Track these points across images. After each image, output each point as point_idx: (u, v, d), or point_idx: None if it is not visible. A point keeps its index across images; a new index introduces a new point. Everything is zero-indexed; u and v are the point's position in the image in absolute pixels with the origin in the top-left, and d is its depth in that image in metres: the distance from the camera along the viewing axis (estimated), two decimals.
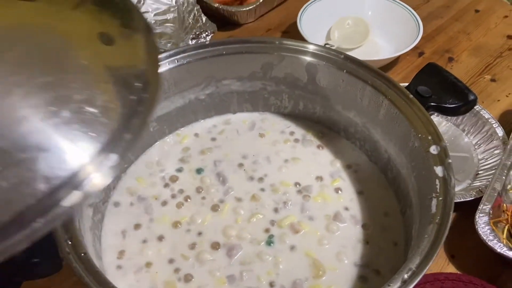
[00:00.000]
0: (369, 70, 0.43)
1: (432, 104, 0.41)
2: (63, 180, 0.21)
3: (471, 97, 0.41)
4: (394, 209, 0.43)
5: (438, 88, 0.42)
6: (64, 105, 0.22)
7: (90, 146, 0.22)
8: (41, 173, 0.21)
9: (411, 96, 0.40)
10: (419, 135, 0.38)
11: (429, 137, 0.37)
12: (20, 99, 0.22)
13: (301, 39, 0.62)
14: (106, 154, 0.22)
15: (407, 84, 0.43)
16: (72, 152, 0.22)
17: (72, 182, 0.21)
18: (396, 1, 0.68)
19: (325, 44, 0.64)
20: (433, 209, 0.33)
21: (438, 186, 0.34)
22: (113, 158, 0.22)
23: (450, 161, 0.35)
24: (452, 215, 0.32)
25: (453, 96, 0.42)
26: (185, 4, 0.68)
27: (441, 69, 0.44)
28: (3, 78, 0.22)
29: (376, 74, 0.42)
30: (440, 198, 0.33)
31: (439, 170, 0.35)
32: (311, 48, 0.45)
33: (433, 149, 0.36)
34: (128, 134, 0.23)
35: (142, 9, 0.69)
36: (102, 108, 0.23)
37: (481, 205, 0.44)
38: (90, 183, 0.21)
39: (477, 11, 0.76)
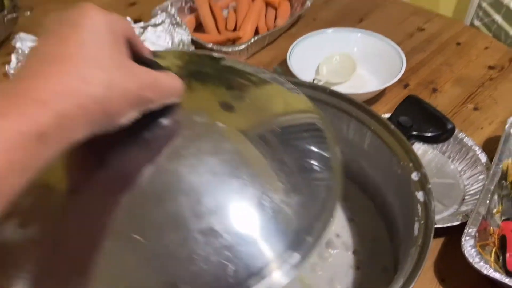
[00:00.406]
0: (353, 103, 0.45)
1: (413, 133, 0.44)
2: (255, 269, 0.25)
3: (449, 126, 0.44)
4: (383, 234, 0.45)
5: (418, 118, 0.45)
6: (266, 202, 0.27)
7: (279, 243, 0.26)
8: (241, 259, 0.25)
9: (393, 126, 0.43)
10: (401, 163, 0.40)
11: (410, 165, 0.40)
12: (238, 190, 0.27)
13: (292, 75, 0.66)
14: (290, 253, 0.25)
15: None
16: (264, 246, 0.26)
17: (261, 273, 0.25)
18: (380, 37, 0.72)
19: (314, 79, 0.67)
20: (416, 232, 0.35)
21: (419, 210, 0.36)
22: (296, 257, 0.25)
23: (430, 186, 0.37)
24: (433, 238, 0.34)
25: (433, 125, 0.44)
26: (181, 46, 0.72)
27: (420, 101, 0.47)
28: (224, 173, 0.28)
29: (359, 107, 0.45)
30: (422, 222, 0.35)
31: (420, 195, 0.37)
32: (297, 85, 0.48)
33: (414, 176, 0.39)
34: (310, 237, 0.26)
35: None
36: (294, 210, 0.27)
37: (467, 229, 0.46)
38: (274, 276, 0.25)
39: (458, 44, 0.80)
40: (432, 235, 0.34)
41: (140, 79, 0.25)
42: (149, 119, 0.27)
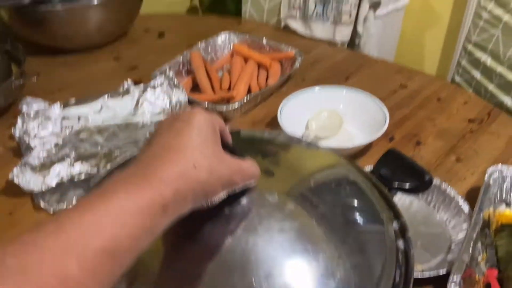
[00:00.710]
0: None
1: (394, 185, 0.47)
2: None
3: (427, 177, 0.47)
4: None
5: (398, 170, 0.48)
6: (329, 277, 0.33)
7: None
8: None
9: (374, 179, 0.46)
10: (383, 213, 0.43)
11: (391, 214, 0.42)
12: (303, 265, 0.33)
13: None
14: None
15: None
16: None
17: None
18: (364, 94, 0.77)
19: (303, 134, 0.71)
20: (397, 279, 0.37)
21: (400, 258, 0.38)
22: None
23: (409, 235, 0.40)
24: (422, 287, 0.36)
25: (412, 177, 0.47)
26: (178, 106, 0.77)
27: (400, 154, 0.50)
28: (291, 249, 0.34)
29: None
30: (402, 268, 0.37)
31: (400, 243, 0.39)
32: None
33: (395, 225, 0.41)
34: None
35: (139, 111, 0.77)
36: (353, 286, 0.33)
37: (451, 277, 0.48)
38: None
39: (439, 99, 0.85)
40: (412, 280, 0.36)
41: (230, 166, 0.32)
42: (231, 198, 0.34)
